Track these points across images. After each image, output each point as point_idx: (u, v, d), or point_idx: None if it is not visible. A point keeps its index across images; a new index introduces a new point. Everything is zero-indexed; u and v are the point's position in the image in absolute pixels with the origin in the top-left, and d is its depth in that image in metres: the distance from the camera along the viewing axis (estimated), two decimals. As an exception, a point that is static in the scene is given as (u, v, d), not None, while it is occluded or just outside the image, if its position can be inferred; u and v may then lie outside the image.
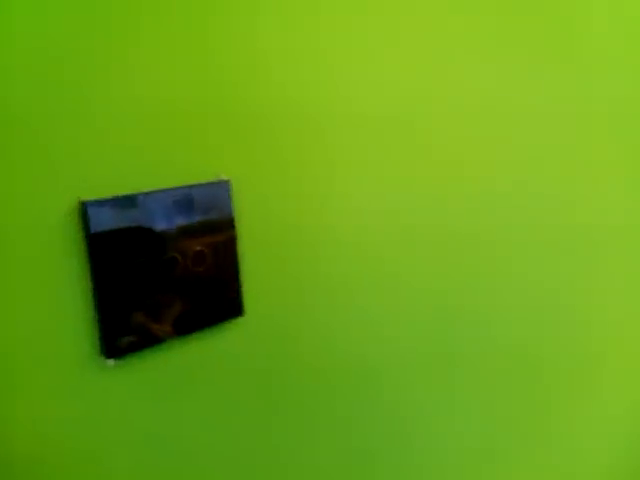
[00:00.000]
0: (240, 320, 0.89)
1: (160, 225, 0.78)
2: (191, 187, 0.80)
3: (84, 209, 0.71)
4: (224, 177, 0.84)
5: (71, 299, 0.73)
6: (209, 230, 0.83)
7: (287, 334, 0.95)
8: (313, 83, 0.92)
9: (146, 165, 0.78)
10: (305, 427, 1.00)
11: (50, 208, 0.70)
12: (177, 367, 0.84)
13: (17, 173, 0.68)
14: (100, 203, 0.72)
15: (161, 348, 0.82)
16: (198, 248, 0.82)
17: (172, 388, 0.84)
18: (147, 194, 0.76)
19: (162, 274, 0.79)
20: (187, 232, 0.81)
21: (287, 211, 0.92)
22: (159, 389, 0.82)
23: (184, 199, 0.80)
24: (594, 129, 1.13)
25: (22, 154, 0.68)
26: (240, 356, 0.90)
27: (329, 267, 0.99)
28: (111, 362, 0.77)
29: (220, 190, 0.83)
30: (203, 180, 0.82)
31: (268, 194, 0.90)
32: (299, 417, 0.99)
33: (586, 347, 1.26)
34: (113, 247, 0.74)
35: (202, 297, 0.83)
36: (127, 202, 0.74)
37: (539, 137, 1.16)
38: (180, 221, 0.80)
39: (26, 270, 0.70)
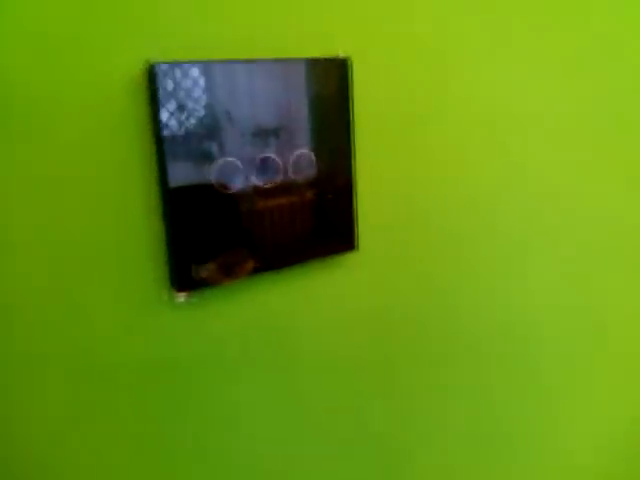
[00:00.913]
0: (351, 255, 0.67)
1: (245, 108, 0.55)
2: (296, 62, 0.57)
3: (152, 71, 0.50)
4: (342, 54, 0.61)
5: (134, 193, 0.53)
6: (321, 125, 0.60)
7: (405, 275, 0.72)
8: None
9: (235, 29, 0.55)
10: (420, 380, 0.77)
11: (117, 70, 0.50)
12: (267, 305, 0.62)
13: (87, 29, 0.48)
14: (173, 66, 0.50)
15: (248, 283, 0.60)
16: (303, 150, 0.59)
17: (261, 328, 0.62)
18: (242, 62, 0.54)
19: (256, 174, 0.57)
20: (285, 125, 0.58)
21: (415, 108, 0.68)
22: (246, 329, 0.61)
23: (287, 76, 0.57)
24: (604, 133, 0.86)
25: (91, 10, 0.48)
26: (349, 295, 0.68)
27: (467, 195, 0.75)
28: (181, 297, 0.57)
29: (337, 69, 0.60)
30: (315, 55, 0.59)
31: (395, 80, 0.65)
32: (413, 368, 0.76)
33: None
34: (186, 121, 0.52)
35: (305, 217, 0.61)
36: (208, 68, 0.52)
37: None
38: (275, 109, 0.57)
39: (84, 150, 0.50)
